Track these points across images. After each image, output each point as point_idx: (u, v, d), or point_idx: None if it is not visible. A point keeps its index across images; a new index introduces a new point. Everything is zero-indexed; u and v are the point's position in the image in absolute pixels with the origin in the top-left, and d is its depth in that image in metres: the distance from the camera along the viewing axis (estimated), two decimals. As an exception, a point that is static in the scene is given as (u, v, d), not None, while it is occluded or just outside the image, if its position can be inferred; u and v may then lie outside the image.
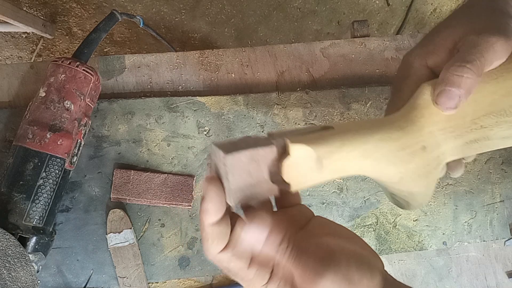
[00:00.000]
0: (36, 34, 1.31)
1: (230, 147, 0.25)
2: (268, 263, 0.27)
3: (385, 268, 0.28)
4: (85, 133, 0.54)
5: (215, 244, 0.26)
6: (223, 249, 0.26)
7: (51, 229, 0.52)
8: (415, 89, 0.31)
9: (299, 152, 0.26)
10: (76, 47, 0.54)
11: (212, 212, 0.25)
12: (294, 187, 0.27)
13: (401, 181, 0.30)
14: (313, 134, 0.27)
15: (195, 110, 0.57)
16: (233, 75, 0.60)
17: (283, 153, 0.26)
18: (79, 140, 0.52)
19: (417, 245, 0.57)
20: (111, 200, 0.55)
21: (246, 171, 0.25)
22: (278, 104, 0.58)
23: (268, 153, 0.25)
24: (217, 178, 0.25)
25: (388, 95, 0.59)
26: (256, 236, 0.27)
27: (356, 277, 0.25)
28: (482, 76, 0.29)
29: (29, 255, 0.48)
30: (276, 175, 0.26)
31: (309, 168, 0.27)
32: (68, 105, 0.50)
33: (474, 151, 0.32)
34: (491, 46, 0.28)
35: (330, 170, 0.27)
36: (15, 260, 0.45)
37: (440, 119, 0.30)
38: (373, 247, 0.56)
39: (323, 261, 0.24)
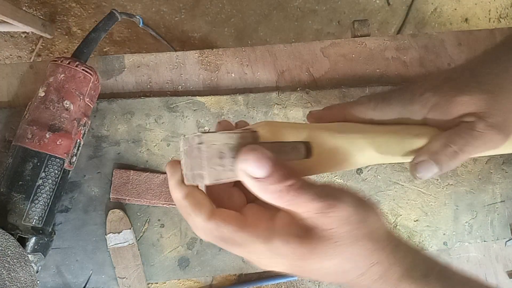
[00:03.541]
0: (36, 33, 1.31)
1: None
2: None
3: None
4: (84, 133, 0.53)
5: (196, 215, 0.26)
6: (208, 218, 0.26)
7: (50, 230, 0.52)
8: (395, 117, 0.34)
9: None
10: (76, 47, 0.53)
11: (178, 186, 0.26)
12: None
13: None
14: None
15: (194, 110, 0.57)
16: (233, 75, 0.60)
17: None
18: (78, 140, 0.52)
19: (417, 246, 0.57)
20: (111, 200, 0.55)
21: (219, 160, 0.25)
22: (278, 104, 0.58)
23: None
24: (175, 161, 0.27)
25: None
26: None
27: (365, 206, 0.26)
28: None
29: (29, 255, 0.47)
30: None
31: None
32: (68, 105, 0.50)
33: None
34: (489, 142, 0.31)
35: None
36: (15, 260, 0.45)
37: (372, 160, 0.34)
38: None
39: (336, 189, 0.25)
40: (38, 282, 0.48)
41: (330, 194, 0.25)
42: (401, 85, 0.37)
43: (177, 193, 0.27)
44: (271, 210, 0.27)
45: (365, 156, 0.32)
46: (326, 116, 0.36)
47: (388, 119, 0.34)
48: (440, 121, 0.33)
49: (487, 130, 0.31)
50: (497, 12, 1.49)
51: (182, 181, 0.27)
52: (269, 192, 0.24)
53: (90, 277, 0.54)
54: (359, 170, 0.58)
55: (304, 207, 0.25)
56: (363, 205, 0.26)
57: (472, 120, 0.31)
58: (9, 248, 0.45)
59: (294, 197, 0.24)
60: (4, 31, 1.31)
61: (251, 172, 0.24)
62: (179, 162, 0.27)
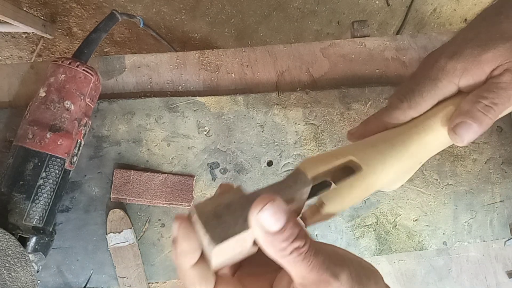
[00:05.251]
0: (36, 34, 1.31)
1: (215, 224, 0.23)
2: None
3: (385, 268, 0.28)
4: (85, 133, 0.54)
5: (202, 286, 0.25)
6: None
7: (51, 229, 0.52)
8: (434, 102, 0.32)
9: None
10: (76, 47, 0.54)
11: (190, 252, 0.24)
12: None
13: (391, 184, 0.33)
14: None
15: (195, 110, 0.58)
16: (233, 75, 0.60)
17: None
18: (79, 140, 0.52)
19: (417, 245, 0.57)
20: (111, 200, 0.55)
21: (230, 254, 0.25)
22: (278, 104, 0.58)
23: (250, 236, 0.24)
24: (187, 218, 0.24)
25: (388, 95, 0.59)
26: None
27: (365, 280, 0.24)
28: None
29: (29, 255, 0.48)
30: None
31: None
32: (68, 105, 0.50)
33: None
34: None
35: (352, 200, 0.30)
36: (15, 260, 0.45)
37: (442, 142, 0.32)
38: (373, 247, 0.57)
39: (338, 263, 0.24)
40: (39, 281, 0.48)
41: (331, 267, 0.23)
42: (416, 69, 0.35)
43: (186, 261, 0.24)
44: (267, 274, 0.27)
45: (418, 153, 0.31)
46: (367, 132, 0.34)
47: (429, 107, 0.32)
48: (475, 85, 0.31)
49: None
50: (497, 13, 1.49)
51: (196, 248, 0.24)
52: (275, 248, 0.23)
53: (90, 276, 0.55)
54: (359, 170, 0.58)
55: (301, 274, 0.23)
56: (361, 282, 0.24)
57: (499, 73, 0.30)
58: (9, 248, 0.45)
59: (296, 261, 0.23)
60: (5, 32, 1.31)
61: (265, 224, 0.22)
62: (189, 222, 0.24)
